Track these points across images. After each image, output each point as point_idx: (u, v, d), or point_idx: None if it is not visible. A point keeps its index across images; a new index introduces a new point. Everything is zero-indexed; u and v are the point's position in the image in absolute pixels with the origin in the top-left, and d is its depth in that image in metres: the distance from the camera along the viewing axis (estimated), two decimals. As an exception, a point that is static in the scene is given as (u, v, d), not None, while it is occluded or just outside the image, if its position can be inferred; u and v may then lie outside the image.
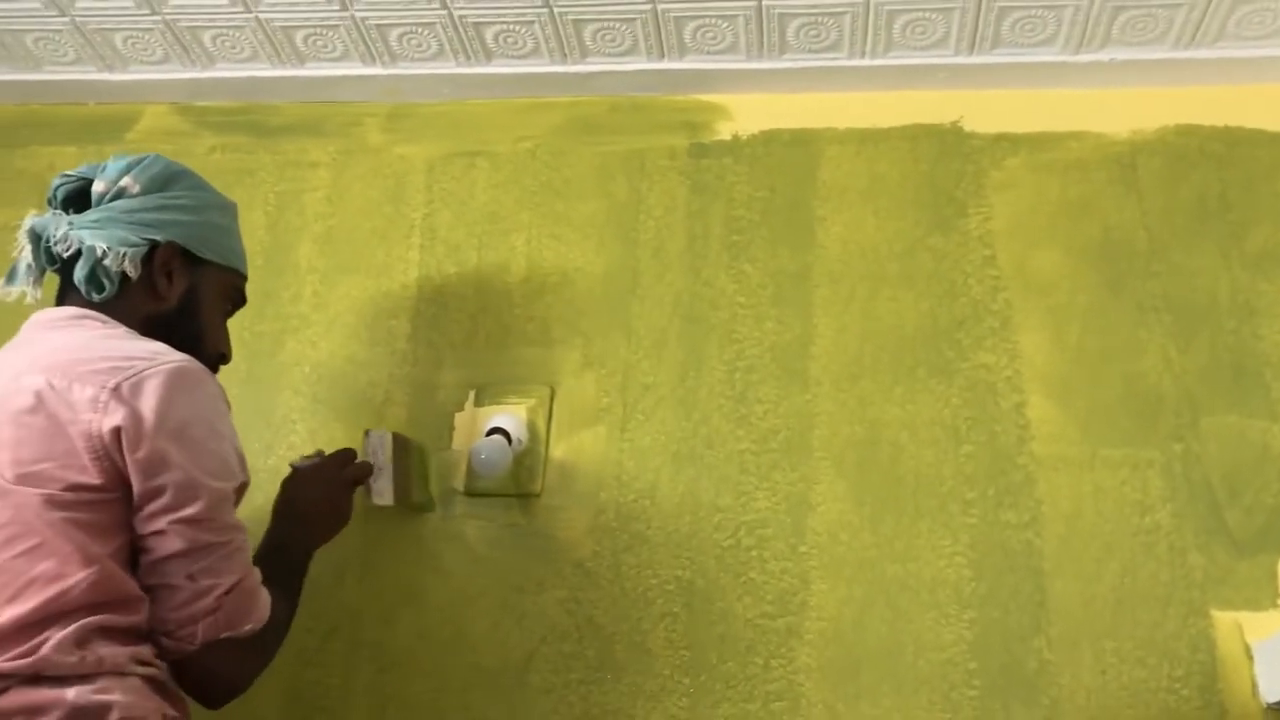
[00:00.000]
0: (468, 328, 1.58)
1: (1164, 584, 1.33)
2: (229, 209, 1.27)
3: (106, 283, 1.10)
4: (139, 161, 1.16)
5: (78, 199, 1.16)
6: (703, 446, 1.47)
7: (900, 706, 1.32)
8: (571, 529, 1.45)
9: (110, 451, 0.95)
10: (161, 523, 0.97)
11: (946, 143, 1.59)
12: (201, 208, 1.19)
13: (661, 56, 1.61)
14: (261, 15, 1.59)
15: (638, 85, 1.66)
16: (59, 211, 1.16)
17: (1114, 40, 1.53)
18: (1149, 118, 1.56)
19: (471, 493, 1.48)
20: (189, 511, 0.97)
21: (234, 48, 1.66)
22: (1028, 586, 1.35)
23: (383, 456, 1.34)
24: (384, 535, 1.38)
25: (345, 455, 1.32)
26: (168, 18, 1.61)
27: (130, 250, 1.10)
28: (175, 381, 1.00)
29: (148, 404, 0.97)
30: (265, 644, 1.06)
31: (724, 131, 1.65)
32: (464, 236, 1.64)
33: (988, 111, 1.60)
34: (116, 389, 0.97)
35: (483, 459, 1.40)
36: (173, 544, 0.97)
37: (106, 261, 1.09)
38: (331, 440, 1.52)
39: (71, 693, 0.89)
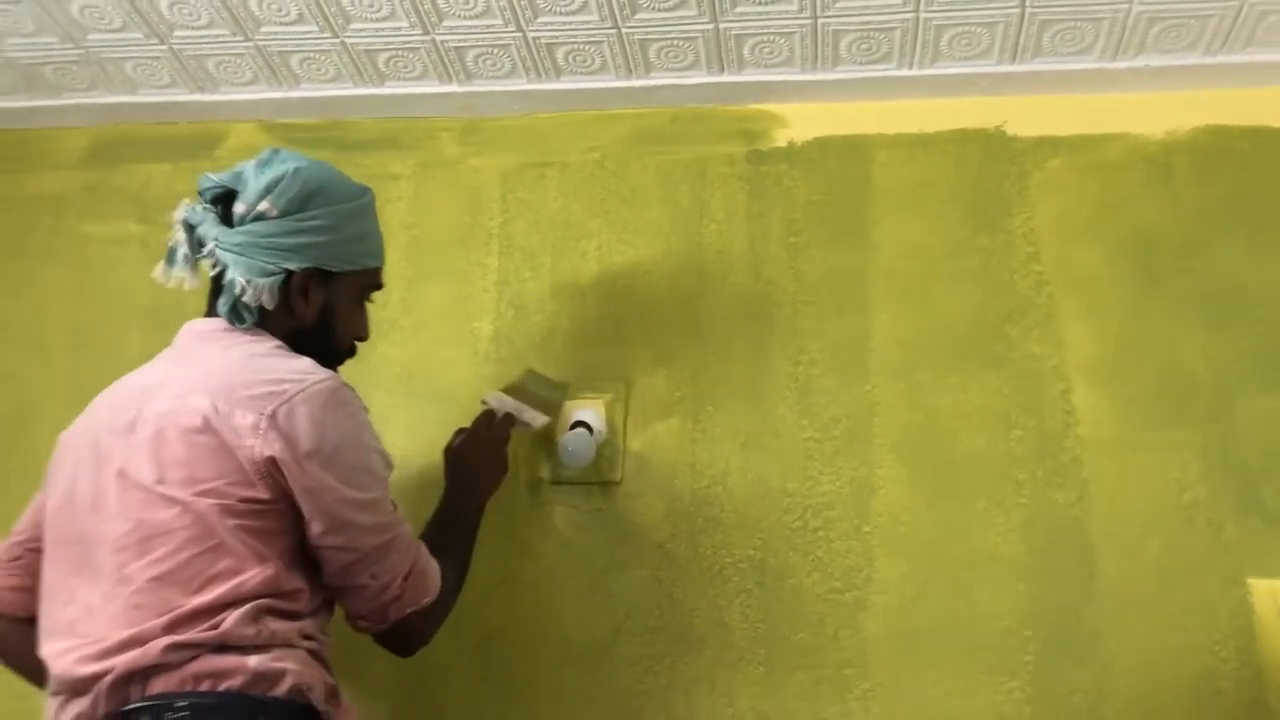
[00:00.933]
0: (546, 328, 1.70)
1: (1203, 555, 1.44)
2: (364, 209, 1.28)
3: (247, 315, 1.19)
4: (277, 183, 1.19)
5: (224, 198, 1.22)
6: (770, 436, 1.59)
7: (962, 671, 1.44)
8: (650, 514, 1.57)
9: (272, 473, 1.07)
10: (334, 540, 1.10)
11: (991, 147, 1.70)
12: (337, 225, 1.23)
13: (721, 70, 1.72)
14: (348, 40, 1.70)
15: (698, 97, 1.77)
16: (209, 207, 1.22)
17: (1149, 48, 1.62)
18: (1182, 120, 1.66)
19: (557, 481, 1.60)
20: (355, 527, 1.11)
21: (319, 69, 1.78)
22: (1077, 560, 1.46)
23: (511, 403, 1.49)
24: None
25: (487, 418, 1.46)
26: (259, 43, 1.73)
27: (267, 282, 1.18)
28: (324, 404, 1.11)
29: (301, 430, 1.08)
30: (441, 605, 1.21)
31: (781, 139, 1.76)
32: (539, 243, 1.75)
33: (1030, 117, 1.70)
34: (273, 416, 1.08)
35: (569, 451, 1.52)
36: (349, 556, 1.11)
37: (245, 298, 1.18)
38: (425, 434, 1.63)
39: (253, 660, 1.02)
